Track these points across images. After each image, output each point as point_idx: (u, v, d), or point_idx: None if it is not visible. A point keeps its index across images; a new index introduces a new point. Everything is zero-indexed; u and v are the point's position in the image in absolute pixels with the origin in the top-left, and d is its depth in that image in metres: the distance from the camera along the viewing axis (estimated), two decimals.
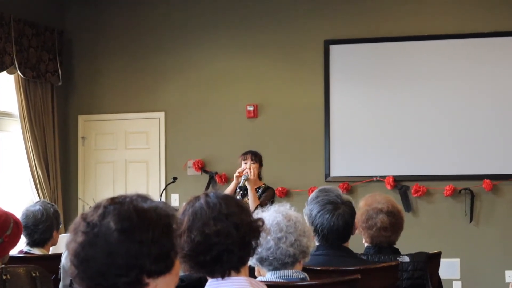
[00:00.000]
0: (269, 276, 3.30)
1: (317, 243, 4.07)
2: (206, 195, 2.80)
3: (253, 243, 2.77)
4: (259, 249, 2.92)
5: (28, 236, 5.41)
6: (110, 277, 2.07)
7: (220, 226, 2.70)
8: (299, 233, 3.29)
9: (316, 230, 4.02)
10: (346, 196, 4.23)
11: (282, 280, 3.29)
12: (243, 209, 2.79)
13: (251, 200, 7.24)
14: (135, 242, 2.07)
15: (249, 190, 7.32)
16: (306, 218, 4.04)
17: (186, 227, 2.71)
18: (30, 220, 5.38)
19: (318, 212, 4.05)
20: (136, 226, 2.09)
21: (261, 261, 3.30)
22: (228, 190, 7.33)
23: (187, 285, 3.33)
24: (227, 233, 2.70)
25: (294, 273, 3.31)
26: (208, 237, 2.69)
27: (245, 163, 7.49)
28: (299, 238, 3.28)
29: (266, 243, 3.20)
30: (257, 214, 3.09)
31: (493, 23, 9.06)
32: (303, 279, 3.33)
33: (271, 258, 3.27)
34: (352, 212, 4.13)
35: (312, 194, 4.17)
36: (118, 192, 2.29)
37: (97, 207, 2.14)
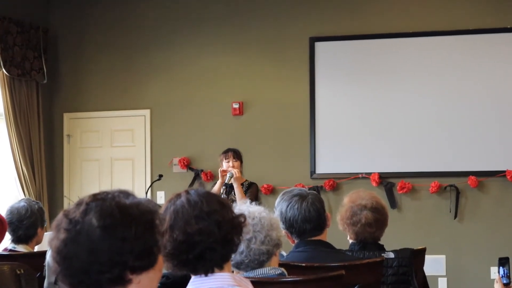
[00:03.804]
0: (247, 275, 3.26)
1: (296, 240, 4.07)
2: (187, 192, 2.78)
3: (235, 239, 2.76)
4: (232, 255, 2.90)
5: (13, 232, 5.42)
6: (93, 274, 2.07)
7: (202, 225, 2.68)
8: (267, 228, 3.26)
9: (290, 226, 4.02)
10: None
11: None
12: (225, 206, 2.78)
13: (238, 197, 7.31)
14: (118, 239, 2.07)
15: (235, 188, 7.43)
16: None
17: (168, 226, 2.69)
18: (14, 216, 5.40)
19: (287, 206, 4.05)
20: (118, 222, 2.09)
21: (238, 266, 3.27)
22: (215, 189, 7.39)
23: (172, 282, 3.33)
24: (209, 232, 2.68)
25: (270, 270, 3.28)
26: (190, 236, 2.68)
27: (227, 162, 7.57)
28: (268, 234, 3.25)
29: None
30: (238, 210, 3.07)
31: (480, 20, 9.09)
32: (281, 274, 3.32)
33: (246, 261, 3.24)
34: (320, 200, 4.13)
35: (277, 199, 4.19)
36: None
37: (79, 204, 2.13)
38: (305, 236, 4.04)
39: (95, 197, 2.14)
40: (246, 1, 9.66)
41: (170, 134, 9.76)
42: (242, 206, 3.35)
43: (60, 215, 2.14)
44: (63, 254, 2.07)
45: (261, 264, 3.27)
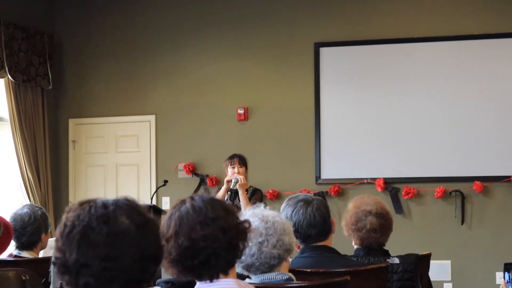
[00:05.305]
0: (254, 279, 3.28)
1: (301, 246, 4.07)
2: (192, 198, 2.78)
3: (240, 245, 2.76)
4: (243, 257, 2.91)
5: (17, 239, 5.41)
6: (143, 271, 2.18)
7: (207, 231, 2.69)
8: (279, 233, 3.26)
9: (296, 231, 4.01)
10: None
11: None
12: (229, 212, 2.78)
13: (243, 203, 7.29)
14: (155, 235, 2.23)
15: (240, 194, 7.40)
16: None
17: (173, 232, 2.71)
18: (18, 223, 5.39)
19: (292, 211, 4.07)
20: (149, 220, 2.23)
21: (248, 268, 3.28)
22: (219, 195, 7.37)
23: None
24: (214, 237, 2.69)
25: (277, 275, 3.28)
26: (195, 242, 2.68)
27: (233, 168, 7.55)
28: (280, 238, 3.26)
29: (249, 249, 3.15)
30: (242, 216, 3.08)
31: (484, 25, 9.09)
32: (288, 280, 3.32)
33: (257, 264, 3.24)
34: (325, 205, 4.14)
35: (282, 205, 4.20)
36: (109, 196, 2.38)
37: (99, 208, 2.24)
38: (310, 242, 4.05)
39: (106, 203, 2.25)
40: (250, 7, 9.66)
41: (175, 140, 9.76)
42: (256, 210, 3.36)
43: (76, 225, 2.20)
44: (113, 256, 2.14)
45: (271, 268, 3.28)
